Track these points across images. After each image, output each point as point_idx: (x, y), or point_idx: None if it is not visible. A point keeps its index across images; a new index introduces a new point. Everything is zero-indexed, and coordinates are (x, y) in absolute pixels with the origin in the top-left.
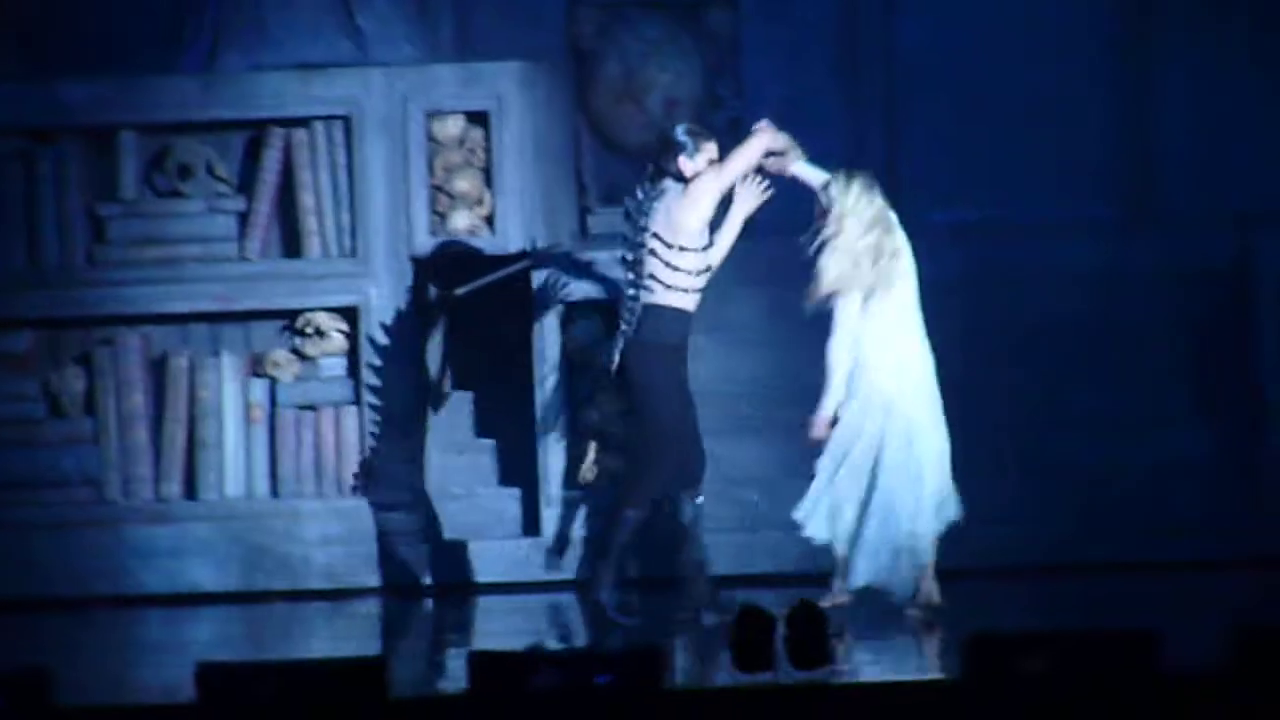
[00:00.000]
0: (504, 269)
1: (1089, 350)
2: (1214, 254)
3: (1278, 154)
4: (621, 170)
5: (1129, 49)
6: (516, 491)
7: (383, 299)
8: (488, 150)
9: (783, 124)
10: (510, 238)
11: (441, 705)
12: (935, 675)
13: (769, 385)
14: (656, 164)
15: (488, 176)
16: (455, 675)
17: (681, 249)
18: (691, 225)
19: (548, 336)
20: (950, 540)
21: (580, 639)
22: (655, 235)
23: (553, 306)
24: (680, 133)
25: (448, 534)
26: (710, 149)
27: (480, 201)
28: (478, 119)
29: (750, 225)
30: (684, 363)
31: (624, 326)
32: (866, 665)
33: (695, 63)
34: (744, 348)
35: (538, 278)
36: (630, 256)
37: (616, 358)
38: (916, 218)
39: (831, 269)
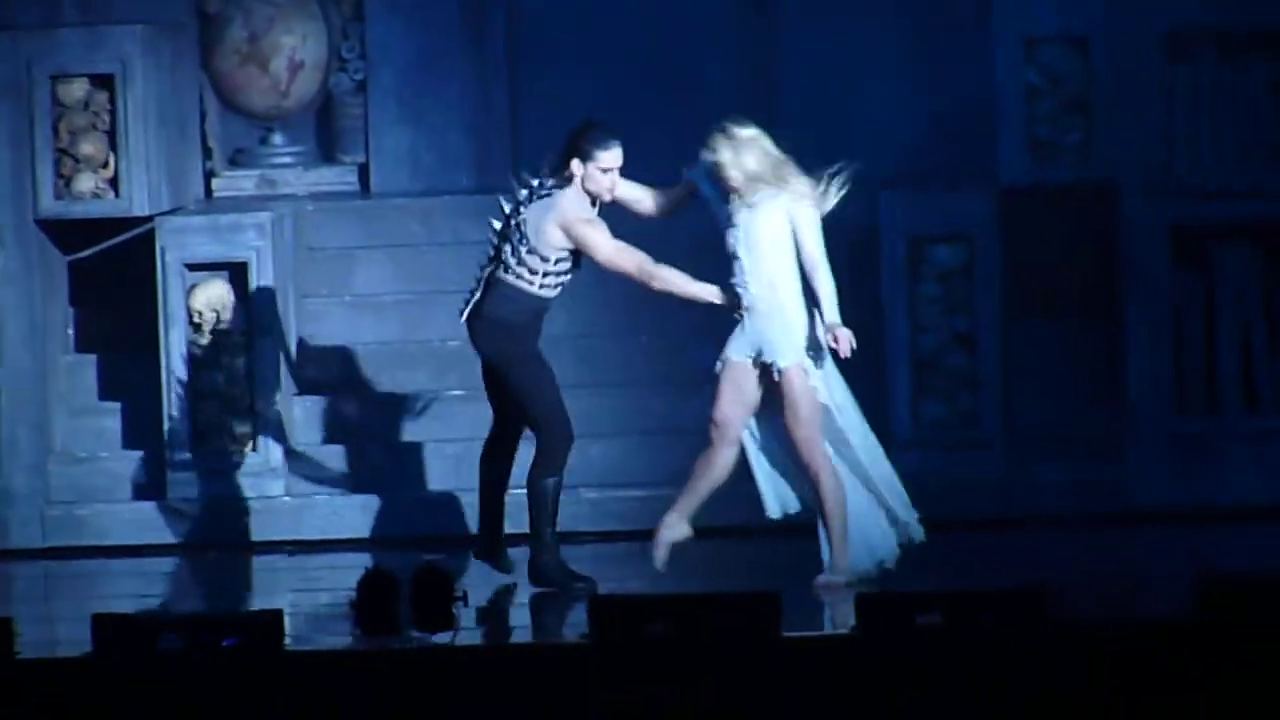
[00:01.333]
0: (127, 233)
1: None
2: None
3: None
4: (246, 134)
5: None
6: (140, 454)
7: (9, 261)
8: (112, 113)
9: (410, 86)
10: (135, 201)
11: (67, 667)
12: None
13: None
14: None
15: (112, 140)
16: (79, 638)
17: (544, 259)
18: (557, 244)
19: (173, 299)
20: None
21: (200, 603)
22: (524, 236)
23: (176, 269)
24: (593, 136)
25: (71, 497)
26: (606, 158)
27: (105, 165)
28: (103, 82)
29: None
30: (537, 334)
31: (470, 296)
32: (493, 629)
33: (320, 26)
34: None
35: (161, 240)
36: (495, 236)
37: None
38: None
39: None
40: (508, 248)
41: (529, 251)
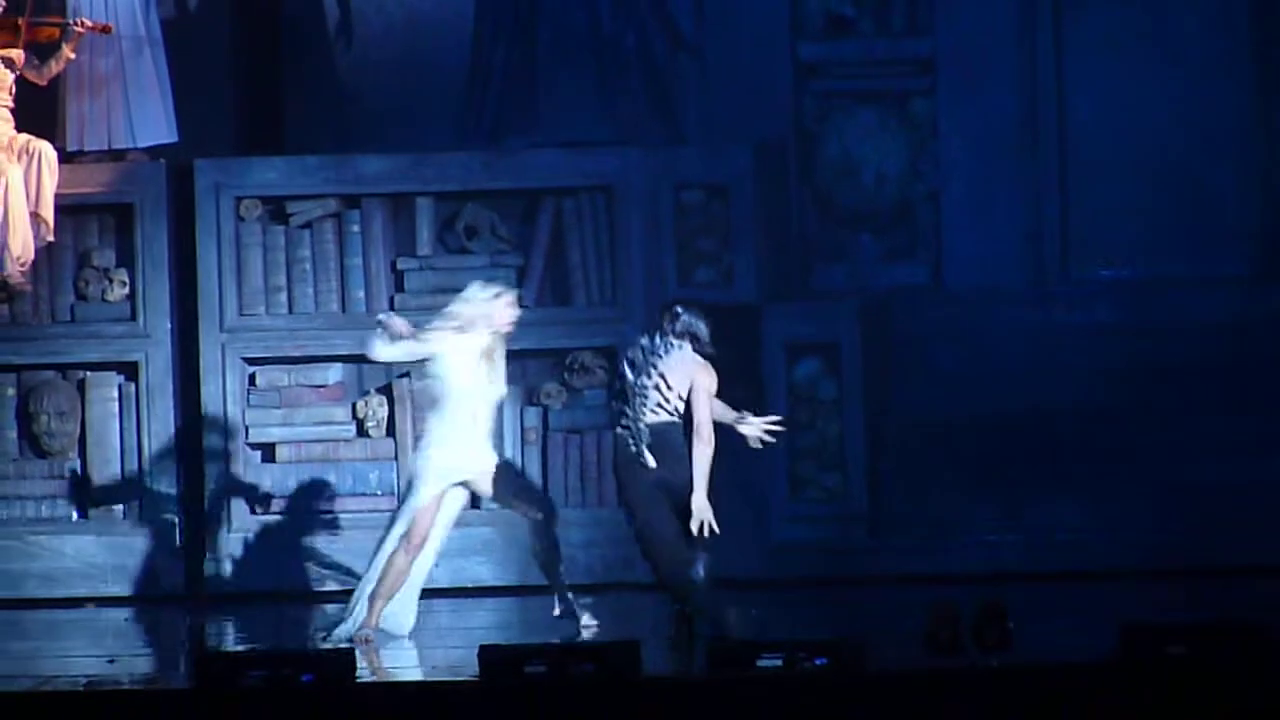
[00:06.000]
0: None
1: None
2: None
3: None
4: (835, 234)
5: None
6: None
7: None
8: (726, 217)
9: (974, 195)
10: (742, 289)
11: None
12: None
13: None
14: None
15: (725, 239)
16: None
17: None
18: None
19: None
20: None
21: None
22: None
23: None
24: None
25: None
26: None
27: (719, 259)
28: (718, 191)
29: None
30: None
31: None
32: None
33: (901, 143)
34: None
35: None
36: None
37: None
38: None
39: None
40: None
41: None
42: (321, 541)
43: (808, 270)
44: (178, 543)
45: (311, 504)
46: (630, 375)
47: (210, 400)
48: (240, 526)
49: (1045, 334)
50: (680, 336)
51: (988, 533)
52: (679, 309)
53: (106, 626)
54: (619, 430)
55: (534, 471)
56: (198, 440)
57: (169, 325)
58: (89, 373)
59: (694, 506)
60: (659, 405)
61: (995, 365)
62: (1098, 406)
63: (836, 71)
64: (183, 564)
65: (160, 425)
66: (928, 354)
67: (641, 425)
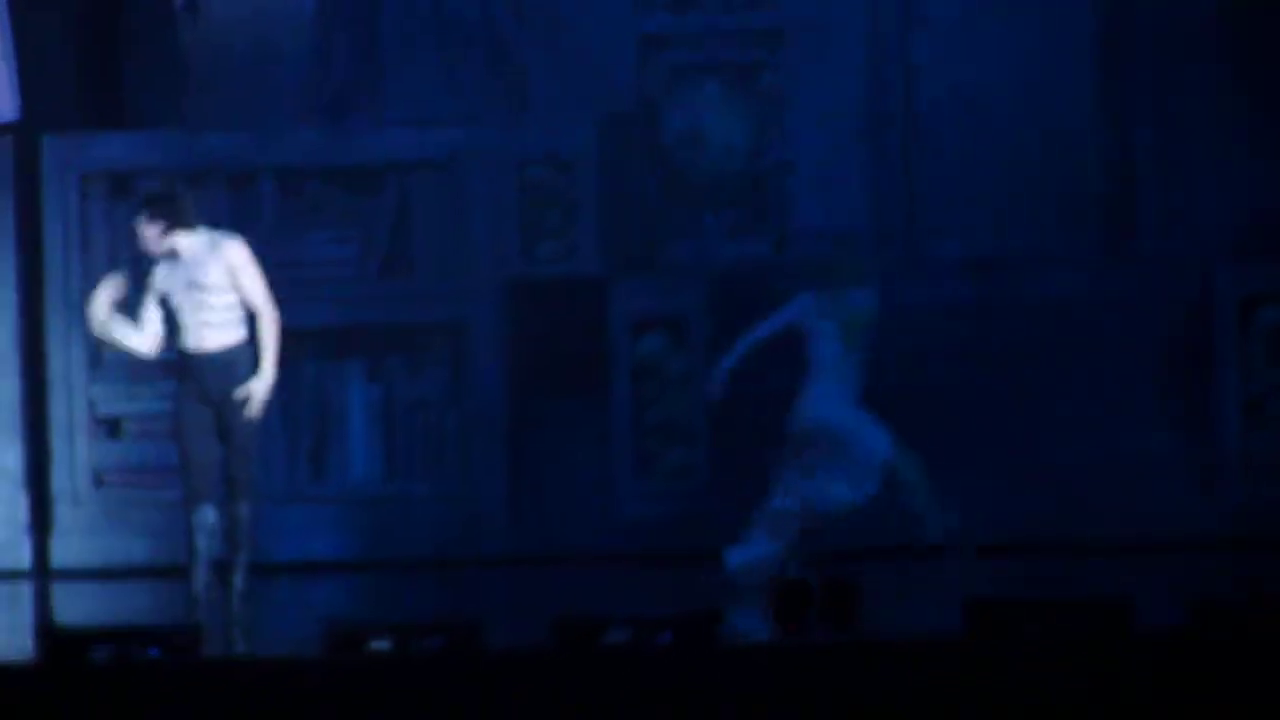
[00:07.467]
0: None
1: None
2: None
3: (1240, 196)
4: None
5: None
6: None
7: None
8: (570, 192)
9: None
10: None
11: None
12: None
13: None
14: None
15: (570, 212)
16: None
17: None
18: None
19: None
20: None
21: None
22: None
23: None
24: None
25: None
26: None
27: (564, 233)
28: (562, 165)
29: None
30: None
31: None
32: None
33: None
34: None
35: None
36: None
37: None
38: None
39: None
40: None
41: None
42: (167, 517)
43: (654, 244)
44: (24, 518)
45: (158, 479)
46: None
47: (56, 375)
48: (86, 501)
49: (891, 311)
50: None
51: None
52: None
53: None
54: None
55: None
56: (44, 415)
57: (15, 299)
58: None
59: None
60: None
61: None
62: (940, 385)
63: (683, 43)
64: (29, 539)
65: (7, 398)
66: None
67: None
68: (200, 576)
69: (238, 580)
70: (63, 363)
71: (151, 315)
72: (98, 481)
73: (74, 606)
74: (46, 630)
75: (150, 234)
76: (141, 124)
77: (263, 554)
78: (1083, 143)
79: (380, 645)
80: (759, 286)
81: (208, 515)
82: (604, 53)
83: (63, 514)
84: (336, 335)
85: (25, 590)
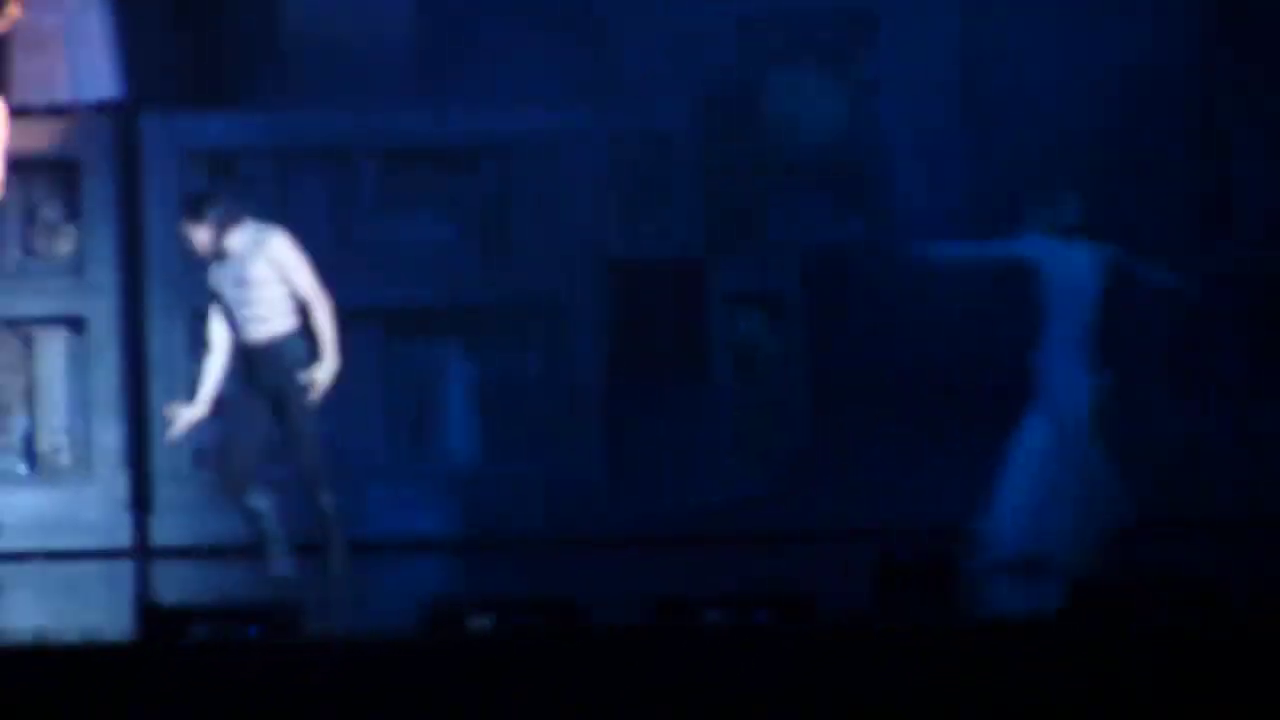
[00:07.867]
0: None
1: None
2: None
3: None
4: None
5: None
6: None
7: None
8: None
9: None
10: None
11: None
12: None
13: None
14: None
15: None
16: None
17: None
18: None
19: None
20: None
21: None
22: None
23: None
24: None
25: None
26: None
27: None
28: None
29: None
30: None
31: None
32: None
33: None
34: None
35: None
36: None
37: None
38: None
39: None
40: None
41: None
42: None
43: (751, 224)
44: (125, 497)
45: None
46: None
47: (159, 353)
48: (187, 480)
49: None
50: None
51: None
52: None
53: (53, 581)
54: None
55: None
56: (146, 394)
57: (117, 279)
58: (36, 327)
59: None
60: None
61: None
62: None
63: (780, 24)
64: (129, 518)
65: (107, 379)
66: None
67: None
68: (278, 557)
69: (336, 566)
70: (163, 342)
71: (216, 327)
72: (198, 461)
73: (174, 585)
74: (146, 609)
75: (202, 238)
76: (242, 103)
77: (362, 531)
78: (1178, 138)
79: (480, 623)
80: (855, 266)
81: (258, 502)
82: (702, 35)
83: (163, 493)
84: (435, 315)
85: (125, 569)
